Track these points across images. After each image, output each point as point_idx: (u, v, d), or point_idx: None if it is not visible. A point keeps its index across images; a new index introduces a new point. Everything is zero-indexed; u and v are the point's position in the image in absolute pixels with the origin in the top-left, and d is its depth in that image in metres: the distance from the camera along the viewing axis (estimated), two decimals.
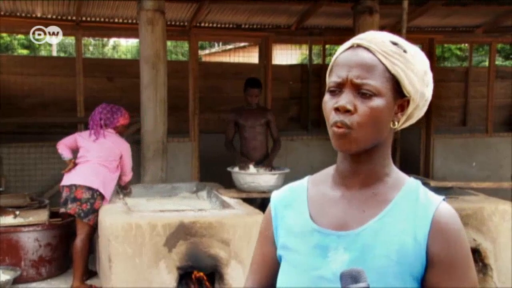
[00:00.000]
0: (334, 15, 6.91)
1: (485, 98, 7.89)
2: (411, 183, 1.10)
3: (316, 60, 9.35)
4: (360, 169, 1.09)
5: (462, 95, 8.80)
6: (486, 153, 7.63)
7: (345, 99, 1.03)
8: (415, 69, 1.06)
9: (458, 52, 12.47)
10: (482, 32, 7.86)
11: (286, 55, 10.53)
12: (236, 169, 4.67)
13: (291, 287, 1.09)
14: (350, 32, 6.17)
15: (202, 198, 4.72)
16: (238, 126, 5.19)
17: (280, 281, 1.12)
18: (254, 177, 4.51)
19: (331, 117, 1.05)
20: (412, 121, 1.13)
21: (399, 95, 1.06)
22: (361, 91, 1.03)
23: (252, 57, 9.69)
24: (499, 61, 11.50)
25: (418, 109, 1.10)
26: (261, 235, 1.21)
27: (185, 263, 3.50)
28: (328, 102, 1.07)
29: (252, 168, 4.70)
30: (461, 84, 8.81)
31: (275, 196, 1.21)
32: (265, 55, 7.07)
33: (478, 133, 7.79)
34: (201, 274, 3.62)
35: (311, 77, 7.98)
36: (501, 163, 7.54)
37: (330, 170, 1.16)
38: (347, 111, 1.03)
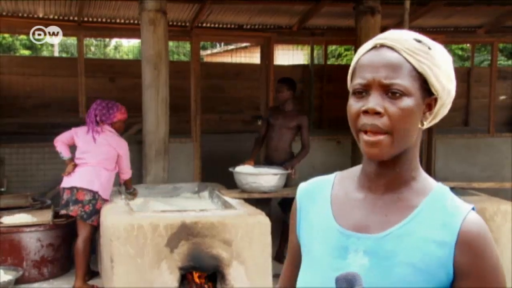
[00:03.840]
0: (336, 15, 6.91)
1: (487, 98, 7.88)
2: (438, 190, 1.06)
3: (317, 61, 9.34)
4: (386, 172, 1.05)
5: (464, 95, 8.79)
6: (488, 154, 7.61)
7: (374, 101, 0.99)
8: (441, 66, 1.03)
9: (460, 53, 12.46)
10: (484, 32, 7.86)
11: (288, 56, 10.54)
12: (238, 169, 4.66)
13: (309, 287, 1.07)
14: (352, 33, 6.17)
15: (204, 199, 4.72)
16: (268, 125, 5.21)
17: (300, 279, 1.11)
18: (256, 177, 4.50)
19: (359, 121, 1.01)
20: (436, 120, 1.10)
21: (427, 93, 1.03)
22: (390, 92, 0.99)
23: (254, 57, 9.70)
24: (501, 61, 11.49)
25: (444, 107, 1.07)
26: (291, 229, 1.20)
27: (187, 263, 3.50)
28: (354, 105, 1.02)
29: (242, 168, 4.69)
30: (463, 84, 8.79)
31: (301, 189, 1.19)
32: (267, 55, 7.07)
33: (480, 134, 7.77)
34: (202, 280, 3.62)
35: (313, 77, 7.98)
36: (503, 164, 7.52)
37: (357, 169, 1.13)
38: (376, 114, 0.99)
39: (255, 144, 5.30)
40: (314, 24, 7.26)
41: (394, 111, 0.99)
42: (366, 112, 1.00)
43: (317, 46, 9.13)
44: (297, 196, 1.18)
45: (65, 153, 4.38)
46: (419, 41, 1.04)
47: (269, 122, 5.21)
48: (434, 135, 7.38)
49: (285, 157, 5.10)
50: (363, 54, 1.05)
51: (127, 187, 4.60)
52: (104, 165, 4.31)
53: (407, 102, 1.00)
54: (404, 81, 1.00)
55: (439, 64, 1.03)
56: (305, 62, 11.25)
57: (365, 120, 1.00)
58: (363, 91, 1.02)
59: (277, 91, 5.23)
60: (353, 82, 1.04)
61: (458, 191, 4.62)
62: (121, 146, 4.38)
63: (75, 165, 4.35)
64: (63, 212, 4.35)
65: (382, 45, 1.03)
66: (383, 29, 6.19)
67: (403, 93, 0.99)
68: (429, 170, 7.34)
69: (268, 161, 5.15)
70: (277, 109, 5.26)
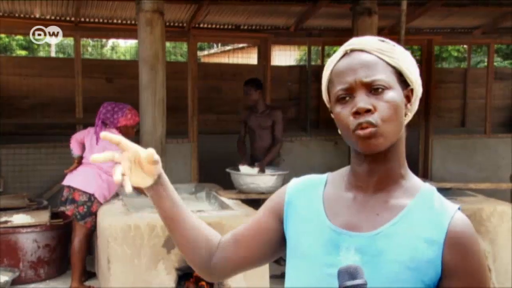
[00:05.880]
0: (333, 16, 6.91)
1: (484, 99, 7.89)
2: (426, 190, 1.10)
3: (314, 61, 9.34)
4: (376, 169, 1.08)
5: (461, 96, 8.81)
6: (484, 154, 7.63)
7: (361, 101, 1.02)
8: (408, 60, 1.09)
9: (456, 54, 12.48)
10: (480, 33, 7.88)
11: (285, 56, 10.55)
12: (236, 170, 4.66)
13: (301, 284, 1.09)
14: (349, 33, 6.17)
15: (201, 199, 4.72)
16: (246, 127, 5.25)
17: (290, 277, 1.12)
18: (253, 178, 4.51)
19: (352, 123, 1.03)
20: (412, 114, 1.13)
21: (404, 86, 1.08)
22: (373, 88, 1.03)
23: (251, 58, 9.71)
24: (497, 62, 11.52)
25: (417, 99, 1.12)
26: (267, 208, 1.21)
27: (184, 264, 3.49)
28: (342, 111, 1.05)
29: (244, 168, 4.68)
30: (460, 85, 8.82)
31: (293, 184, 1.20)
32: (264, 56, 7.08)
33: (477, 134, 7.80)
34: (203, 283, 3.61)
35: (310, 78, 7.98)
36: (500, 164, 7.54)
37: (346, 170, 1.16)
38: (367, 111, 1.02)
39: (239, 146, 5.32)
40: (311, 25, 7.26)
41: (382, 105, 1.03)
42: (357, 113, 1.02)
43: (314, 47, 9.12)
44: (287, 189, 1.20)
45: (74, 151, 4.42)
46: (383, 41, 1.09)
47: (246, 123, 5.24)
48: (431, 135, 7.39)
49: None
50: (336, 62, 1.09)
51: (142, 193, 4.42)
52: (105, 170, 4.25)
53: (391, 94, 1.04)
54: (383, 76, 1.04)
55: (405, 59, 1.09)
56: (296, 63, 11.24)
57: (358, 120, 1.02)
58: (347, 96, 1.05)
59: (245, 93, 5.19)
60: (334, 90, 1.07)
61: (455, 191, 4.64)
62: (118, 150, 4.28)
63: (79, 164, 4.35)
64: (61, 209, 4.34)
65: (352, 50, 1.08)
66: (380, 30, 6.21)
67: (385, 87, 1.04)
68: (426, 171, 7.35)
69: (254, 162, 5.18)
70: (251, 110, 5.27)
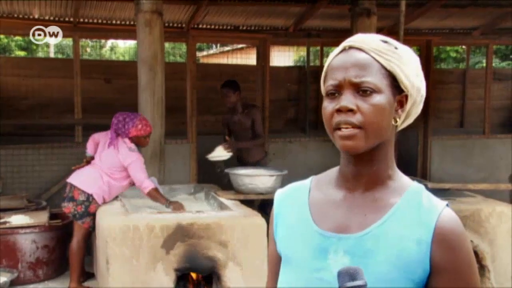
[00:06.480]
0: (331, 17, 6.92)
1: (482, 99, 7.90)
2: (414, 188, 1.09)
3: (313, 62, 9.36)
4: (364, 171, 1.08)
5: (460, 97, 8.82)
6: (483, 155, 7.63)
7: (346, 99, 1.03)
8: (409, 64, 1.08)
9: (454, 54, 12.49)
10: (479, 34, 7.89)
11: (284, 57, 10.55)
12: (234, 170, 4.66)
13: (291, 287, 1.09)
14: (348, 34, 6.15)
15: (200, 200, 4.72)
16: (229, 129, 5.29)
17: (280, 282, 1.13)
18: (252, 178, 4.50)
19: (333, 119, 1.04)
20: (410, 119, 1.12)
21: (397, 91, 1.07)
22: (360, 89, 1.03)
23: (249, 58, 9.71)
24: (495, 63, 11.53)
25: (415, 105, 1.10)
26: (270, 236, 1.22)
27: (183, 265, 3.50)
28: (328, 106, 1.06)
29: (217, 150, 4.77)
30: (459, 86, 8.83)
31: (278, 194, 1.21)
32: (262, 56, 7.08)
33: (476, 135, 7.80)
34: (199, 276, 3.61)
35: (309, 78, 7.98)
36: (498, 165, 7.55)
37: (333, 171, 1.16)
38: (349, 111, 1.02)
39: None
40: (310, 25, 7.27)
41: (366, 108, 1.02)
42: (339, 110, 1.03)
43: (313, 47, 9.13)
44: (274, 202, 1.20)
45: (88, 150, 4.46)
46: (385, 42, 1.08)
47: (229, 127, 5.27)
48: (430, 136, 7.40)
49: (260, 156, 5.16)
50: (333, 57, 1.10)
51: (159, 202, 4.17)
52: (109, 172, 4.27)
53: (377, 98, 1.03)
54: (373, 79, 1.03)
55: (407, 62, 1.07)
56: (294, 63, 11.24)
57: (339, 118, 1.03)
58: (336, 92, 1.06)
59: (223, 96, 5.18)
60: (326, 84, 1.08)
61: (454, 192, 4.64)
62: (126, 158, 4.21)
63: (87, 163, 4.37)
64: (62, 204, 4.34)
65: (351, 47, 1.08)
66: (379, 30, 6.21)
67: (374, 90, 1.03)
68: (424, 171, 7.35)
69: (242, 163, 5.19)
70: (232, 112, 5.29)
